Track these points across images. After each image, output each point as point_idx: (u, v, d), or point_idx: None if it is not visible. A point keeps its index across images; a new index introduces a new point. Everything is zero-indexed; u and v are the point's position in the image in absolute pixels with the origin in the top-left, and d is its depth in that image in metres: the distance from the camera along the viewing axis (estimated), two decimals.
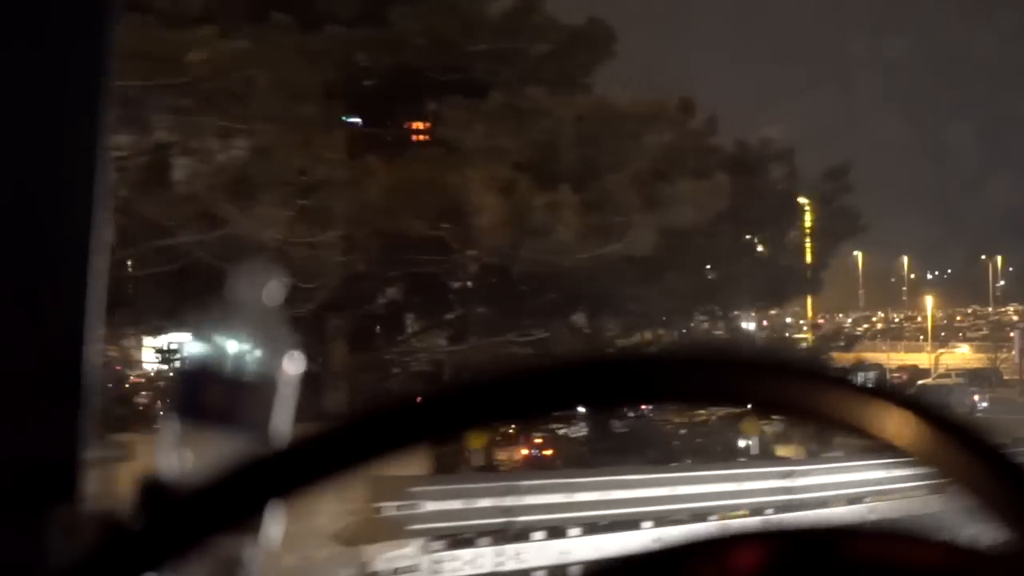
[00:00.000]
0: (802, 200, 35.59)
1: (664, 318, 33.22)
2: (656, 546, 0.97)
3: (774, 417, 1.06)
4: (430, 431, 1.06)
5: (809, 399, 0.98)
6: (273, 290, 1.44)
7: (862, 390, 0.97)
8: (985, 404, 60.64)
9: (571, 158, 24.63)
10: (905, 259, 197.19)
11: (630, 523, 24.49)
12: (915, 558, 0.93)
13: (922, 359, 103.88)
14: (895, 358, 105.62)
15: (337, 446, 1.06)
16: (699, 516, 25.82)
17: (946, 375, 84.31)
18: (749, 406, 1.00)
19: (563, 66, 26.31)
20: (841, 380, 0.98)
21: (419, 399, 1.06)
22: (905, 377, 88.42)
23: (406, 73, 25.00)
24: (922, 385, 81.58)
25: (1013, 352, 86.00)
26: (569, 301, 29.99)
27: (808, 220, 35.85)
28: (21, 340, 1.43)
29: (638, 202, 25.01)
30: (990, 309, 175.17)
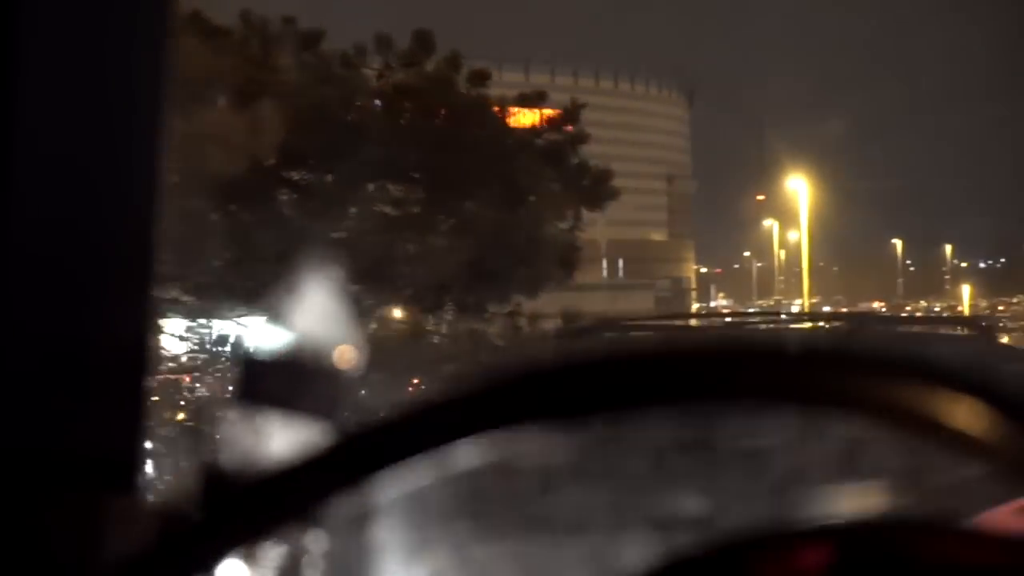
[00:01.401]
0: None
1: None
2: (718, 542, 0.94)
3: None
4: (501, 420, 1.01)
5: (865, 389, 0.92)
6: (334, 274, 1.42)
7: (930, 373, 0.91)
8: None
9: None
10: (948, 248, 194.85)
11: None
12: (990, 557, 0.90)
13: None
14: None
15: (401, 435, 1.05)
16: None
17: None
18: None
19: None
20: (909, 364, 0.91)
21: (489, 383, 1.02)
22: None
23: None
24: None
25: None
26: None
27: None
28: (78, 330, 1.43)
29: None
30: None
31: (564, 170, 29.50)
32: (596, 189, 29.96)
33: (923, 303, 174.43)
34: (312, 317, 1.40)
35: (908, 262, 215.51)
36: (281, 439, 1.36)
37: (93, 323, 1.44)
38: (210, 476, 1.32)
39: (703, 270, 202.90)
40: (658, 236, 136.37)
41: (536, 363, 1.00)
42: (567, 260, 30.37)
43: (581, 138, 32.59)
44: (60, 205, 1.43)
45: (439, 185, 24.97)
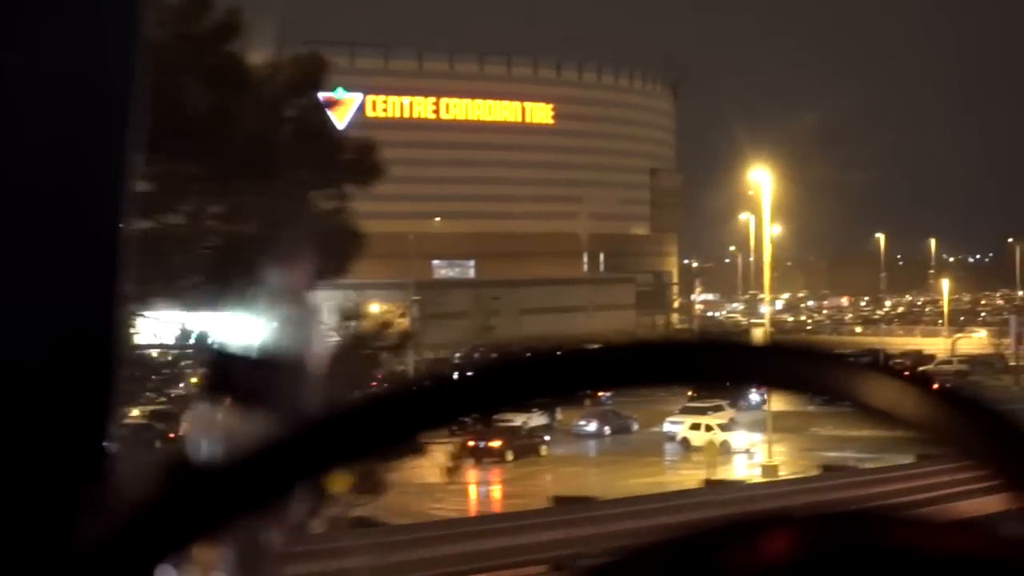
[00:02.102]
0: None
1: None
2: (688, 529, 0.97)
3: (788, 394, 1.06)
4: (462, 410, 1.05)
5: (816, 377, 1.03)
6: (303, 273, 1.43)
7: (861, 365, 1.00)
8: None
9: None
10: (932, 242, 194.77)
11: None
12: (951, 544, 0.93)
13: (938, 344, 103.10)
14: (910, 342, 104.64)
15: (364, 424, 1.06)
16: None
17: (947, 361, 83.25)
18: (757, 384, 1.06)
19: None
20: (842, 359, 1.02)
21: (449, 377, 1.06)
22: (908, 363, 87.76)
23: None
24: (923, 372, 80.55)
25: (1010, 338, 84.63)
26: None
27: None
28: (50, 323, 1.45)
29: None
30: (1020, 293, 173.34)
31: (321, 141, 25.86)
32: (360, 163, 26.71)
33: (908, 297, 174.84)
34: (279, 315, 1.35)
35: (898, 256, 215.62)
36: (246, 431, 1.29)
37: (61, 315, 1.46)
38: (176, 465, 1.43)
39: (694, 264, 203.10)
40: (640, 230, 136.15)
41: (491, 360, 1.06)
42: (340, 249, 25.04)
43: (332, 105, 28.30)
44: (31, 202, 1.45)
45: (194, 159, 22.37)
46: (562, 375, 1.05)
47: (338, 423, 1.07)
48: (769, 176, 68.39)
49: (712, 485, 36.90)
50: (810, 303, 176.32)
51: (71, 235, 1.49)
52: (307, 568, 17.38)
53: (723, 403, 56.59)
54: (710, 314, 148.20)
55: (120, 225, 1.52)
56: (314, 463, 1.07)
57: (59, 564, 1.35)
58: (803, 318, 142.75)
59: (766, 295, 75.57)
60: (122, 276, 1.52)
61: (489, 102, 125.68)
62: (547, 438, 56.53)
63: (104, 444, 1.48)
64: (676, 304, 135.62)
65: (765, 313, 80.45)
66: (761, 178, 70.75)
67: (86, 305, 1.49)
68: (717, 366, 1.05)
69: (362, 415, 1.07)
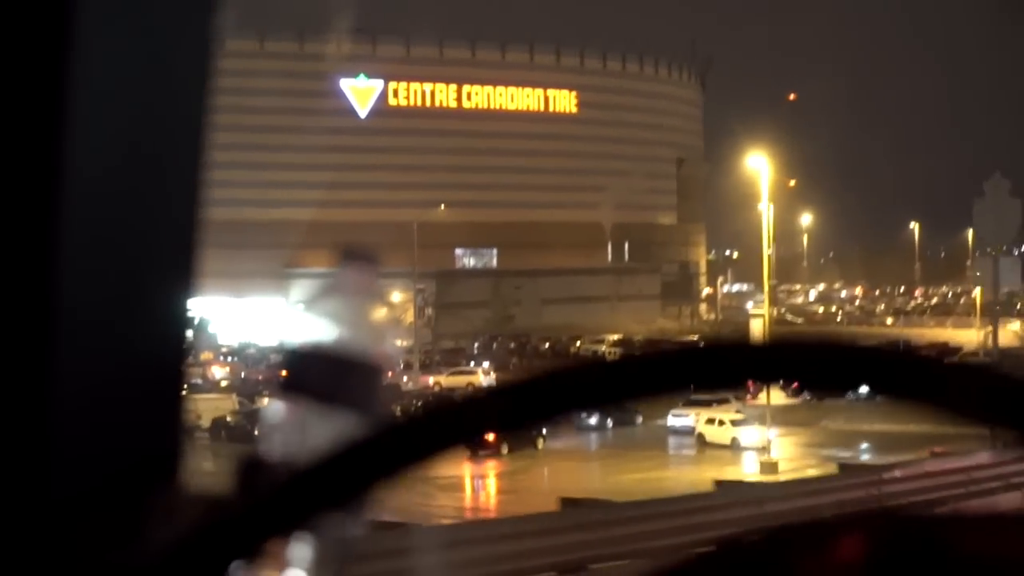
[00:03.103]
0: None
1: None
2: (759, 532, 0.97)
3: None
4: (531, 415, 1.09)
5: (911, 380, 1.03)
6: (376, 274, 1.47)
7: (945, 367, 1.01)
8: None
9: None
10: (970, 232, 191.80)
11: None
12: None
13: (969, 336, 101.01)
14: (941, 335, 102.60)
15: (438, 427, 1.10)
16: None
17: (973, 354, 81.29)
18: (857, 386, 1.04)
19: None
20: (929, 359, 1.03)
21: (518, 382, 1.09)
22: (934, 355, 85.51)
23: None
24: None
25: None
26: None
27: None
28: (121, 328, 1.47)
29: None
30: None
31: None
32: None
33: (944, 288, 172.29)
34: (353, 312, 1.40)
35: (941, 247, 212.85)
36: (321, 430, 1.34)
37: (132, 320, 1.47)
38: (250, 466, 1.37)
39: (729, 254, 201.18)
40: (667, 220, 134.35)
41: (568, 365, 1.09)
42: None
43: None
44: (106, 211, 1.46)
45: None
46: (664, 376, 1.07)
47: (421, 424, 1.10)
48: (764, 160, 66.66)
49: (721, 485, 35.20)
50: (843, 294, 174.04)
51: (144, 236, 1.50)
52: (369, 568, 15.99)
53: (728, 395, 54.58)
54: (737, 305, 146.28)
55: (194, 226, 1.53)
56: (390, 464, 1.09)
57: (138, 562, 1.32)
58: (833, 309, 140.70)
59: (765, 284, 73.74)
60: (194, 274, 1.53)
61: (511, 89, 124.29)
62: (544, 431, 55.12)
63: (176, 446, 1.49)
64: (704, 295, 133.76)
65: (762, 301, 78.49)
66: (758, 164, 69.02)
67: (158, 306, 1.51)
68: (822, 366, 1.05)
69: (438, 417, 1.10)
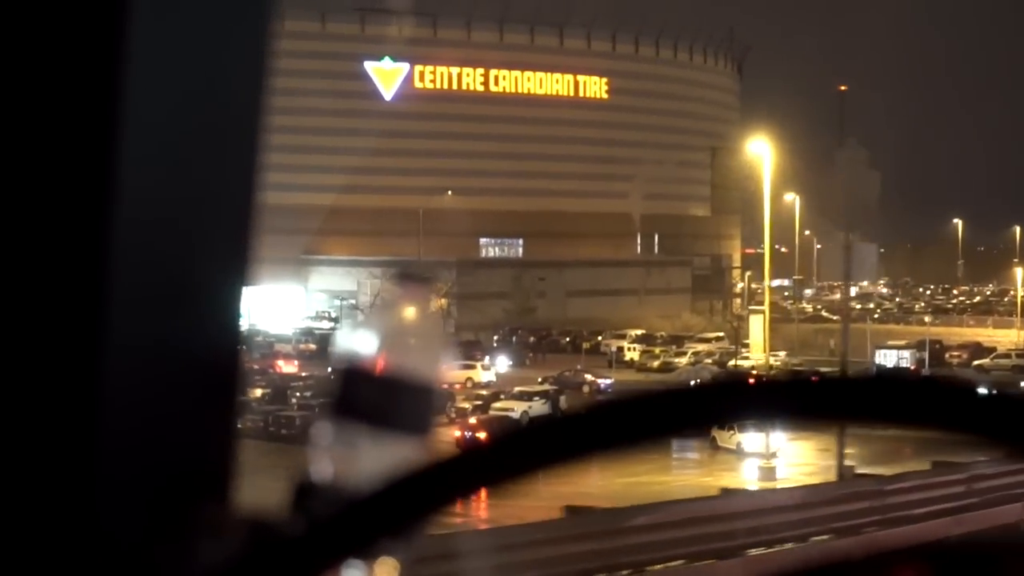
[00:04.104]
0: None
1: None
2: (809, 563, 0.98)
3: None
4: (606, 443, 1.11)
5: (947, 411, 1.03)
6: (429, 295, 1.51)
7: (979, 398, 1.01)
8: None
9: None
10: (1017, 230, 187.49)
11: None
12: None
13: (1010, 335, 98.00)
14: (980, 334, 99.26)
15: (496, 458, 1.11)
16: None
17: (1006, 355, 77.83)
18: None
19: None
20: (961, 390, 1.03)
21: (590, 409, 1.11)
22: (964, 356, 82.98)
23: None
24: (977, 365, 76.13)
25: None
26: None
27: None
28: (174, 345, 1.46)
29: None
30: None
31: None
32: None
33: (991, 287, 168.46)
34: (406, 332, 1.46)
35: (987, 244, 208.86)
36: (372, 454, 1.41)
37: (185, 338, 1.46)
38: (304, 489, 1.37)
39: (777, 247, 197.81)
40: (700, 211, 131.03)
41: (617, 397, 1.10)
42: None
43: None
44: (162, 207, 1.45)
45: None
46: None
47: (471, 456, 1.12)
48: (766, 146, 63.43)
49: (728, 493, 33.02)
50: (883, 291, 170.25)
51: (200, 225, 1.48)
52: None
53: None
54: (775, 301, 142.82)
55: (251, 212, 1.51)
56: (447, 495, 1.11)
57: None
58: (871, 306, 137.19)
59: (766, 280, 70.43)
60: (251, 264, 1.51)
61: (540, 74, 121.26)
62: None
63: (228, 464, 1.48)
64: (738, 289, 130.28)
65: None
66: (763, 150, 65.75)
67: (215, 302, 1.49)
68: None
69: (497, 448, 1.12)
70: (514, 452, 1.12)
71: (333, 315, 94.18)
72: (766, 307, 69.38)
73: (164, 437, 1.43)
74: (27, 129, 1.40)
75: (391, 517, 1.14)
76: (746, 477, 43.83)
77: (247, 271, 1.50)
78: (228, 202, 1.49)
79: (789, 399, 1.11)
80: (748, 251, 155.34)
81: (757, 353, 72.68)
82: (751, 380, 1.13)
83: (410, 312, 1.42)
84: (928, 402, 1.07)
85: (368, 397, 1.40)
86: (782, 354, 78.10)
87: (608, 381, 65.43)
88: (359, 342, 1.42)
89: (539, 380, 64.17)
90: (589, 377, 67.38)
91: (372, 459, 1.35)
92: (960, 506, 29.00)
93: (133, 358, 1.42)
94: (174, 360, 1.45)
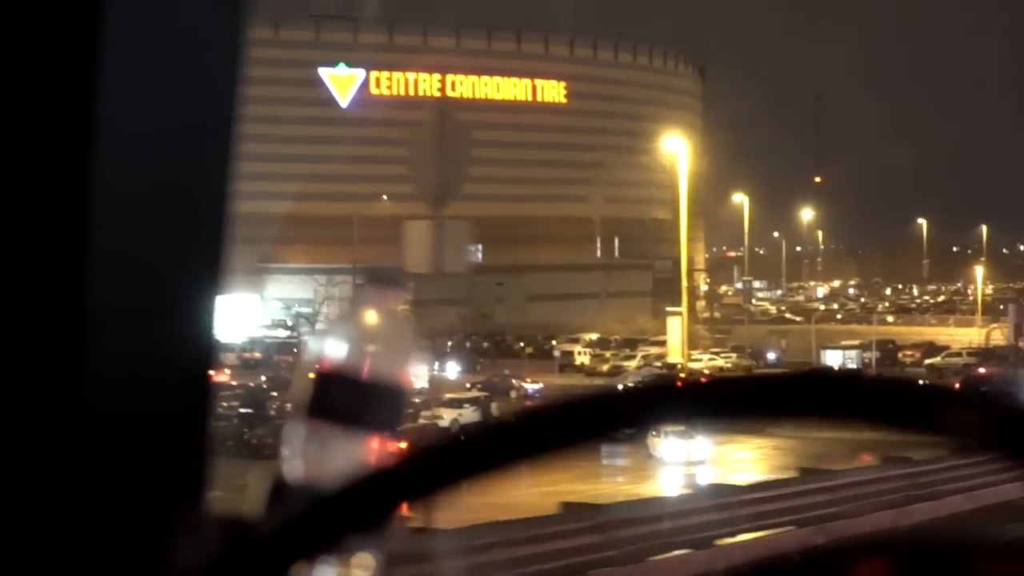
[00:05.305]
0: None
1: None
2: (774, 557, 0.99)
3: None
4: (583, 434, 1.12)
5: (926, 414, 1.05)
6: (401, 295, 1.55)
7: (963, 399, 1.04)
8: None
9: None
10: (984, 229, 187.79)
11: None
12: None
13: (970, 334, 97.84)
14: (941, 333, 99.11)
15: (468, 452, 1.13)
16: None
17: (957, 353, 77.57)
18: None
19: None
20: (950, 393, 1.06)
21: (566, 404, 1.13)
22: (917, 355, 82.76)
23: None
24: (928, 364, 75.94)
25: (1007, 327, 78.99)
26: None
27: None
28: (148, 347, 1.47)
29: None
30: None
31: None
32: None
33: (957, 286, 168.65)
34: (377, 333, 1.48)
35: (954, 246, 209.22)
36: (344, 453, 1.43)
37: (158, 339, 1.47)
38: (277, 489, 1.42)
39: (763, 251, 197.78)
40: (661, 214, 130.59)
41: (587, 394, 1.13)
42: None
43: None
44: (136, 213, 1.45)
45: None
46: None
47: (440, 450, 1.13)
48: (681, 142, 63.14)
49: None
50: (850, 291, 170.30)
51: (174, 234, 1.48)
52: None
53: None
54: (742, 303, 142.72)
55: (224, 221, 1.52)
56: (417, 491, 1.12)
57: None
58: (835, 306, 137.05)
59: (682, 282, 70.08)
60: (223, 273, 1.52)
61: (498, 79, 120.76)
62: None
63: (202, 465, 1.49)
64: (702, 292, 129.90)
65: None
66: (679, 146, 65.45)
67: (188, 309, 1.49)
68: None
69: (467, 443, 1.14)
70: (483, 448, 1.12)
71: (289, 323, 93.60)
72: (684, 308, 69.08)
73: (141, 440, 1.43)
74: (2, 138, 1.39)
75: (360, 513, 1.15)
76: (663, 485, 43.12)
77: (220, 279, 1.49)
78: (202, 210, 1.49)
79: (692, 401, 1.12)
80: (731, 254, 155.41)
81: (675, 356, 72.43)
82: (660, 384, 1.15)
83: (380, 315, 1.44)
84: (806, 396, 1.09)
85: (338, 398, 1.42)
86: (733, 356, 77.93)
87: (536, 386, 65.09)
88: (330, 345, 1.45)
89: (467, 387, 63.77)
90: (515, 382, 66.97)
91: (342, 458, 1.37)
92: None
93: (110, 364, 1.41)
94: (150, 365, 1.44)
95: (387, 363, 1.43)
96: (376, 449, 1.40)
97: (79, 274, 1.40)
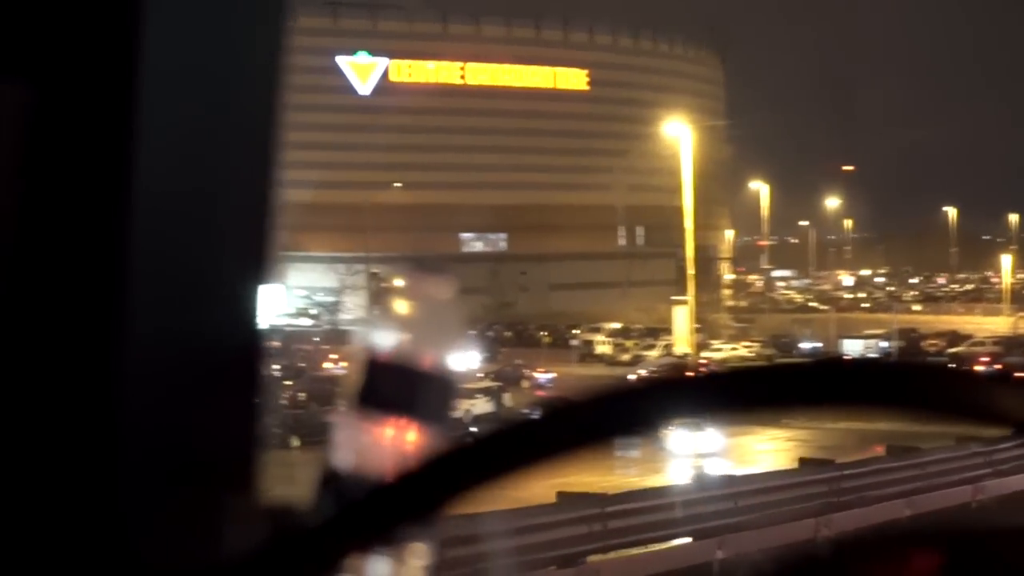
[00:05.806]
0: None
1: None
2: (827, 545, 0.97)
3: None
4: (626, 427, 1.10)
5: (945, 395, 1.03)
6: (447, 285, 1.55)
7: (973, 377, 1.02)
8: None
9: None
10: (1015, 217, 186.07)
11: None
12: None
13: (998, 323, 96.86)
14: (969, 321, 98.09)
15: (517, 443, 1.11)
16: None
17: (980, 342, 76.55)
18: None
19: None
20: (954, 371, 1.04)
21: (608, 395, 1.10)
22: (942, 343, 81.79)
23: None
24: (952, 353, 74.96)
25: None
26: None
27: None
28: (198, 333, 1.46)
29: None
30: None
31: None
32: None
33: (986, 275, 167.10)
34: (427, 321, 1.51)
35: (984, 235, 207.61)
36: (394, 442, 1.45)
37: (208, 326, 1.47)
38: (328, 478, 1.42)
39: (793, 239, 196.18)
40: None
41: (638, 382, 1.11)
42: None
43: None
44: (179, 203, 1.45)
45: None
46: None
47: (491, 441, 1.11)
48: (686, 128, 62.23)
49: None
50: (877, 280, 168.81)
51: (218, 221, 1.48)
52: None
53: None
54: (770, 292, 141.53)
55: (269, 207, 1.50)
56: (469, 482, 1.10)
57: (211, 573, 1.35)
58: (862, 295, 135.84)
59: (688, 270, 69.29)
60: (269, 260, 1.50)
61: (518, 67, 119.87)
62: (474, 430, 51.35)
63: (252, 453, 1.48)
64: (728, 280, 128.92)
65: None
66: (683, 132, 64.56)
67: (235, 296, 1.48)
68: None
69: (518, 432, 1.11)
70: (536, 438, 1.10)
71: (313, 312, 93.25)
72: (690, 297, 68.37)
73: (188, 428, 1.43)
74: (44, 129, 1.39)
75: (415, 504, 1.14)
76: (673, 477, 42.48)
77: (265, 267, 1.49)
78: (246, 198, 1.48)
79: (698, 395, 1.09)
80: (762, 243, 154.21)
81: (682, 345, 71.70)
82: (666, 378, 1.11)
83: (427, 303, 1.47)
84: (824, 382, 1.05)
85: (387, 387, 1.44)
86: (756, 345, 77.23)
87: (549, 376, 64.44)
88: (379, 335, 1.47)
89: (479, 376, 63.18)
90: (527, 372, 66.39)
91: (392, 447, 1.38)
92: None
93: (156, 351, 1.41)
94: (196, 353, 1.44)
95: (435, 352, 1.46)
96: (425, 438, 1.42)
97: (125, 262, 1.39)
